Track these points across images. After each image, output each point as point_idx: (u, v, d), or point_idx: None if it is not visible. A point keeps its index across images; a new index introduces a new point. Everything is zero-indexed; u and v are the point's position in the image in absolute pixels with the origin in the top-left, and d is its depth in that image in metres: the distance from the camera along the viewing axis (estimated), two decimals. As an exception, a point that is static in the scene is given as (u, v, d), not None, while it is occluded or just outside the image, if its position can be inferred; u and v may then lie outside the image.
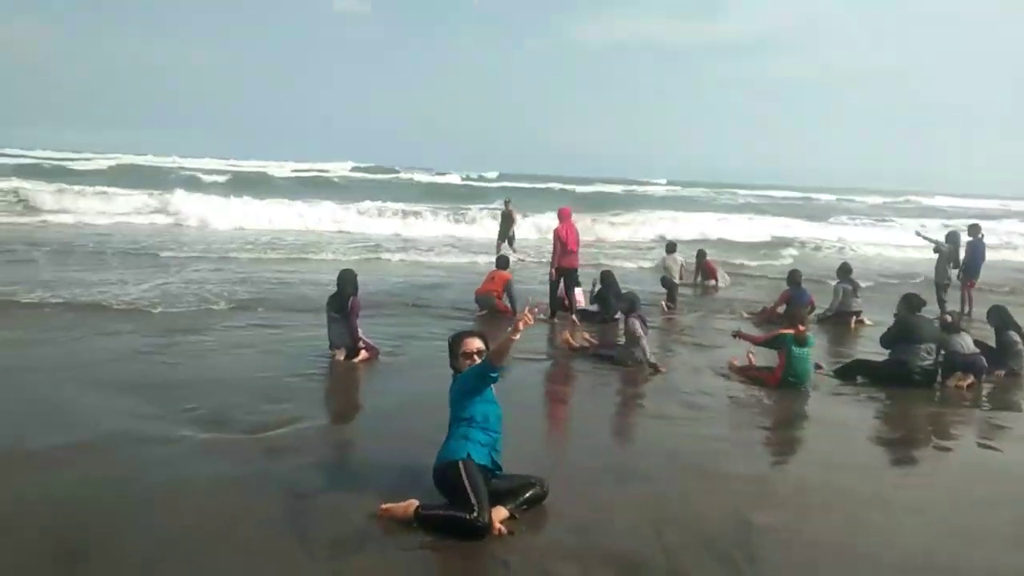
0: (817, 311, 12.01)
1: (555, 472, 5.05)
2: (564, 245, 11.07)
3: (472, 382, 4.60)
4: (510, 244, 18.20)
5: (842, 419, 7.02)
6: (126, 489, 4.65)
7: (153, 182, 33.88)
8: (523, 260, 17.38)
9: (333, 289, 8.44)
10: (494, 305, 11.31)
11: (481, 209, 29.49)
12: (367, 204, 27.76)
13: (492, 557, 4.04)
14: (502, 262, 12.12)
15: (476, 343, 4.83)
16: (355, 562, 3.92)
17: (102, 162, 53.31)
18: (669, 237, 18.98)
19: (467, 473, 4.36)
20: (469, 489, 4.28)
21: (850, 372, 8.46)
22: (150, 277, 12.90)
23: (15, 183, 28.41)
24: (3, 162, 45.27)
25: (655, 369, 8.36)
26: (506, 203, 19.29)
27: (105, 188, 28.93)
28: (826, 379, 8.34)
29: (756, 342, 8.38)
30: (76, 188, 28.31)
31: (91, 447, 5.32)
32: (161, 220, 23.88)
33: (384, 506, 4.40)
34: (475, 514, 4.18)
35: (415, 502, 4.36)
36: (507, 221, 18.49)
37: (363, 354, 8.22)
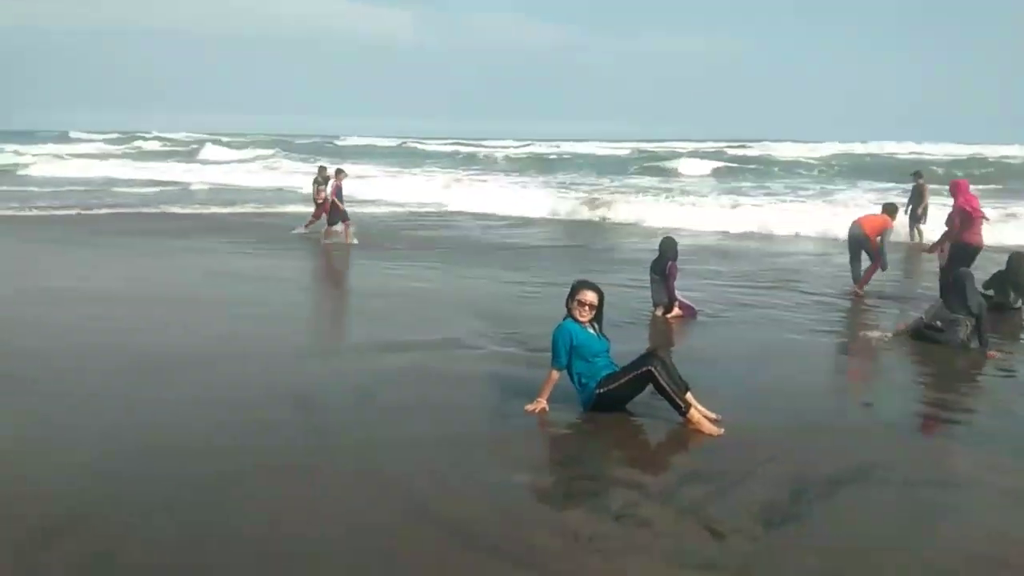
0: None
1: None
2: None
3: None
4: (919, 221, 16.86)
5: None
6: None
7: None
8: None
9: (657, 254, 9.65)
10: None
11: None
12: None
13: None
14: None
15: (590, 296, 5.73)
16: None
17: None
18: None
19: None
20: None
21: None
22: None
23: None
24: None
25: None
26: (916, 176, 17.64)
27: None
28: None
29: None
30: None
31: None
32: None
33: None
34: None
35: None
36: (917, 196, 17.04)
37: (676, 311, 9.34)
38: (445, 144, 65.24)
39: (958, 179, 11.21)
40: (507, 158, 50.56)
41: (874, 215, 11.38)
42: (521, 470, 4.72)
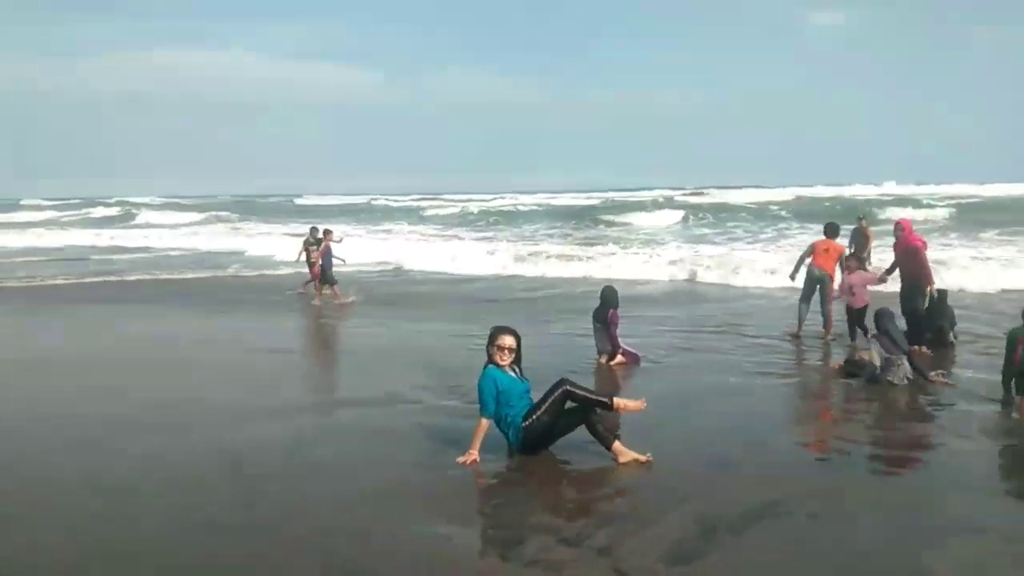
0: None
1: None
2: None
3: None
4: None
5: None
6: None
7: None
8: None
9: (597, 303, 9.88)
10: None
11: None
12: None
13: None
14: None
15: (508, 340, 5.98)
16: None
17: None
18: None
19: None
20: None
21: None
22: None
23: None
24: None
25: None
26: (859, 219, 18.19)
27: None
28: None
29: None
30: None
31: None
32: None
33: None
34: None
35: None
36: (860, 239, 17.33)
37: (620, 358, 9.54)
38: (411, 200, 66.19)
39: (903, 219, 11.49)
40: (479, 211, 51.15)
41: (824, 249, 11.20)
42: (444, 522, 4.81)
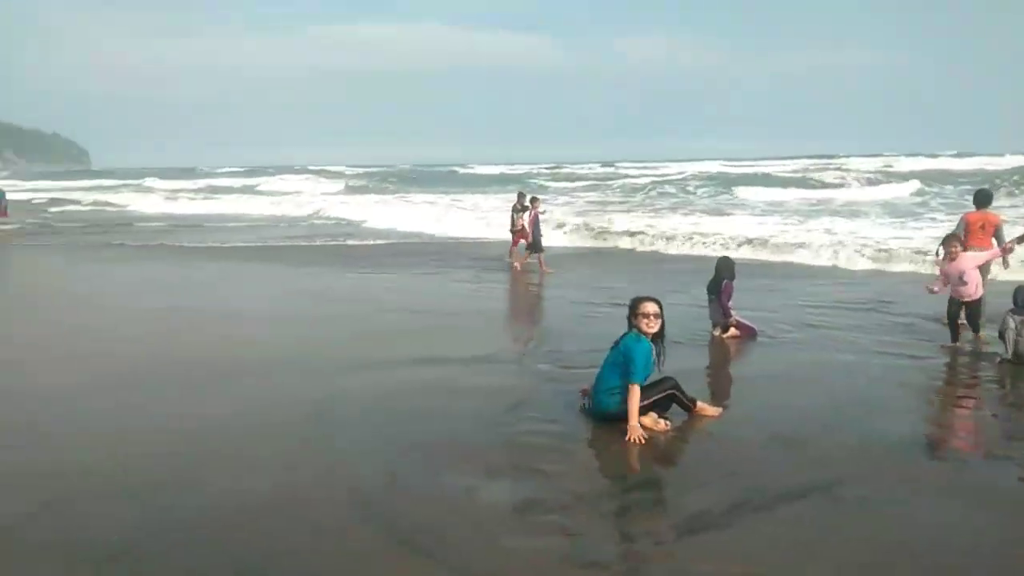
0: None
1: None
2: None
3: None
4: None
5: None
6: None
7: None
8: None
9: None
10: None
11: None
12: None
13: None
14: None
15: (652, 307, 5.91)
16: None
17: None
18: None
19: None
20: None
21: None
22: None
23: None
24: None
25: None
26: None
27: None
28: None
29: None
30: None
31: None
32: None
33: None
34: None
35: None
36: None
37: (733, 331, 9.22)
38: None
39: None
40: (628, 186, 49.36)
41: (980, 226, 9.84)
42: (472, 476, 4.98)
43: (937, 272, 9.55)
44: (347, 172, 78.93)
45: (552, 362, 7.92)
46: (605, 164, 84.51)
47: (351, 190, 53.91)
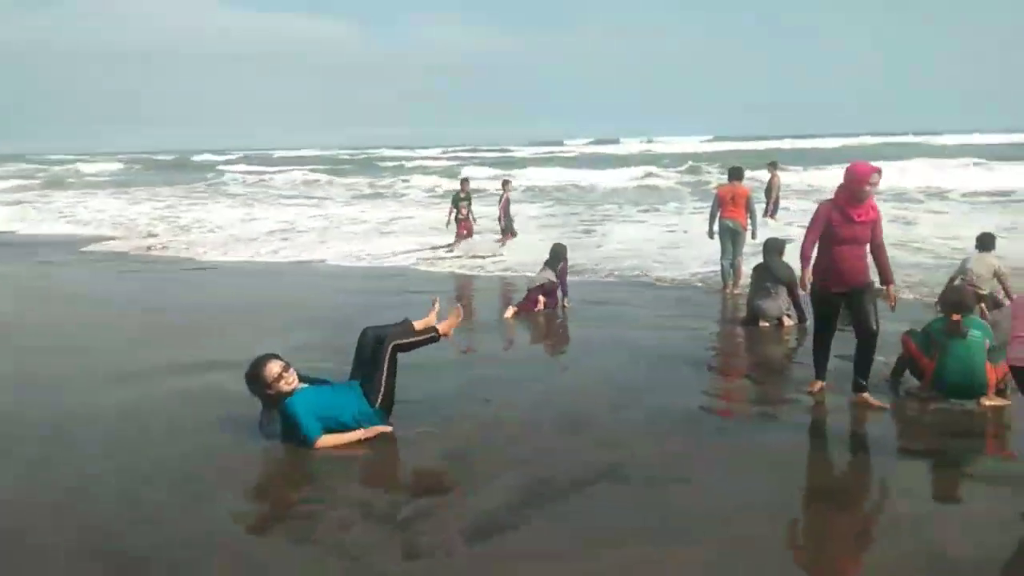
0: None
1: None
2: None
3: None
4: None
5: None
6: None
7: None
8: None
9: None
10: None
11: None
12: None
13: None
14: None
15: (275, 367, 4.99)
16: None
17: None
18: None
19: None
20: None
21: None
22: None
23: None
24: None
25: None
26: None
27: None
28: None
29: None
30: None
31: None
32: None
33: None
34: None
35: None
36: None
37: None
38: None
39: None
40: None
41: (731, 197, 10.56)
42: (234, 498, 4.39)
43: None
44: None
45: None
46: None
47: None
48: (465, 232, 15.71)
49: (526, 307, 9.30)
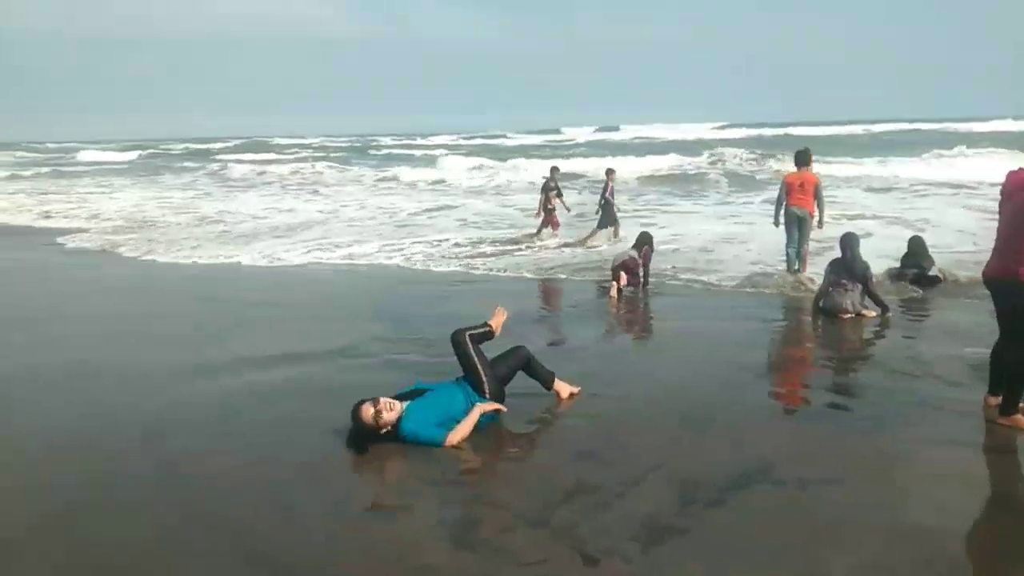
0: None
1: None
2: None
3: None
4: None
5: None
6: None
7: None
8: None
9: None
10: None
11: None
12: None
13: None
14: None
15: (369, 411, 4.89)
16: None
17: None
18: None
19: None
20: None
21: None
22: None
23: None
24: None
25: None
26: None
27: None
28: None
29: None
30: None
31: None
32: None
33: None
34: None
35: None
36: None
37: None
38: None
39: None
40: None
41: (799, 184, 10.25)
42: (372, 497, 4.29)
43: None
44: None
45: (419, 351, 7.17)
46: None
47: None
48: (553, 227, 14.85)
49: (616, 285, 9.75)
